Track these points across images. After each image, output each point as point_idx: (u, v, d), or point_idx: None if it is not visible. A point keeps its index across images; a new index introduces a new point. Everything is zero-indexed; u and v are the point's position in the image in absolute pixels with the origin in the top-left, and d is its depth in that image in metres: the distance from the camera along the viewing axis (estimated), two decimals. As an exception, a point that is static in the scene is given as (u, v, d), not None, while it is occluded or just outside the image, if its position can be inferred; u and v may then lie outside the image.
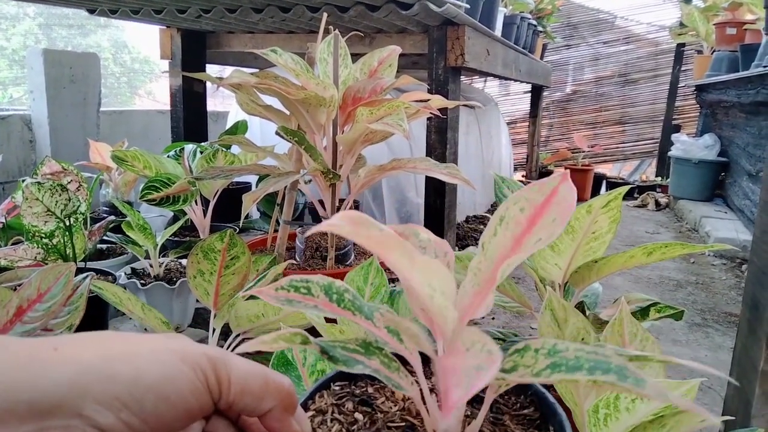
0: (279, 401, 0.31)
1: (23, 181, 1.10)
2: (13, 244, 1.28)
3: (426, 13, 1.67)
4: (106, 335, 0.27)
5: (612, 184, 4.52)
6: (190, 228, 1.77)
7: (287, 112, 1.17)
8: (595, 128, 5.51)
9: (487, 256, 0.40)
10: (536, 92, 4.41)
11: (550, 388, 1.00)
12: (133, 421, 0.24)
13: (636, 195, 4.37)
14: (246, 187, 2.10)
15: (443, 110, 1.91)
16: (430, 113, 1.16)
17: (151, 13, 1.91)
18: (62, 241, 1.19)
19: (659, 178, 4.72)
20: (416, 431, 0.40)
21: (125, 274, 1.38)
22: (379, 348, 0.38)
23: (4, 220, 1.31)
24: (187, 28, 2.24)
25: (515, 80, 3.18)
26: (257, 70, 1.14)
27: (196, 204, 1.60)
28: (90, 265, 1.38)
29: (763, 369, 0.67)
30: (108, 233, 1.44)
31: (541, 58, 4.36)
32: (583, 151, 4.57)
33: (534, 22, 3.37)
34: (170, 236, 1.52)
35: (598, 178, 4.59)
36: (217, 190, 1.57)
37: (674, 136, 3.99)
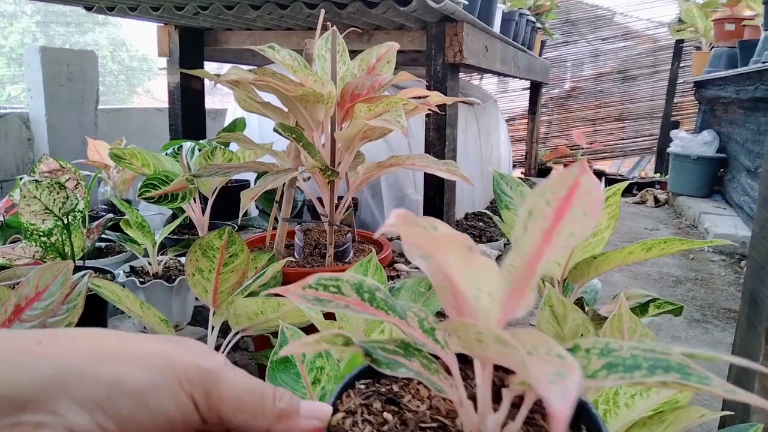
0: (278, 420, 0.30)
1: (21, 179, 1.09)
2: (11, 242, 1.28)
3: (424, 9, 1.66)
4: (100, 332, 0.26)
5: (611, 181, 4.52)
6: (189, 226, 1.77)
7: (285, 109, 1.17)
8: (594, 125, 5.51)
9: (521, 253, 0.39)
10: (535, 89, 4.41)
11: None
12: (108, 425, 0.24)
13: (635, 191, 4.37)
14: (245, 185, 2.10)
15: (442, 107, 1.91)
16: (429, 110, 1.16)
17: (149, 9, 1.91)
18: (60, 239, 1.19)
19: (658, 175, 4.72)
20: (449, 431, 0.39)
21: (124, 272, 1.38)
22: (418, 349, 0.37)
23: (2, 219, 1.31)
24: (184, 25, 2.24)
25: (514, 77, 3.18)
26: (255, 67, 1.14)
27: (195, 202, 1.59)
28: (89, 263, 1.38)
29: (762, 364, 0.67)
30: (106, 231, 1.44)
31: (540, 54, 4.35)
32: (582, 148, 4.57)
33: (533, 19, 3.37)
34: (169, 234, 1.52)
35: (597, 175, 4.55)
36: (216, 188, 1.57)
37: (673, 133, 3.99)
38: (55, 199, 1.14)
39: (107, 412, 0.24)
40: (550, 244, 0.38)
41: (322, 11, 1.25)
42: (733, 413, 0.72)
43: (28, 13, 6.69)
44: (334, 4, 1.67)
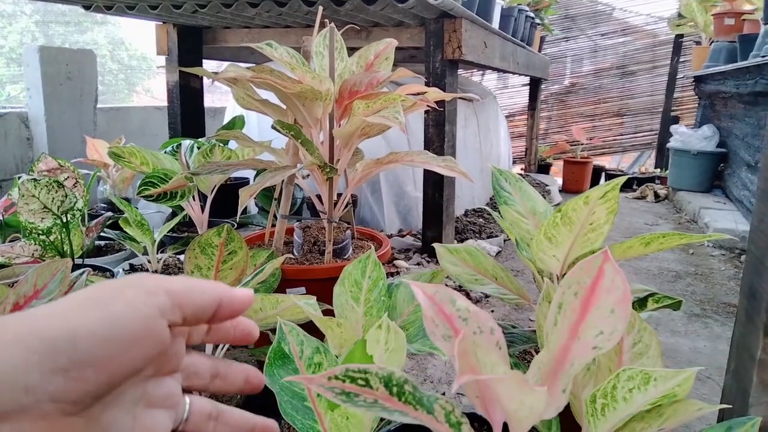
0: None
1: (19, 177, 1.09)
2: (10, 241, 1.28)
3: (423, 5, 1.66)
4: (31, 312, 0.25)
5: (611, 176, 4.52)
6: (188, 224, 1.77)
7: (283, 107, 1.17)
8: (593, 120, 5.50)
9: (550, 350, 0.39)
10: (534, 85, 4.40)
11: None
12: (83, 375, 0.23)
13: (635, 187, 4.37)
14: (244, 183, 2.10)
15: (440, 103, 1.91)
16: (427, 106, 1.16)
17: (147, 8, 1.90)
18: (59, 237, 1.19)
19: (658, 170, 4.72)
20: None
21: (123, 270, 1.38)
22: None
23: (1, 218, 1.31)
24: (183, 24, 2.24)
25: (513, 73, 3.18)
26: (254, 65, 1.14)
27: (194, 200, 1.60)
28: (88, 261, 1.38)
29: (760, 358, 0.67)
30: (106, 230, 1.44)
31: (539, 50, 4.35)
32: (582, 144, 4.56)
33: (532, 15, 3.36)
34: (168, 232, 1.52)
35: (597, 171, 4.58)
36: (215, 186, 1.57)
37: (673, 128, 3.98)
38: (53, 198, 1.14)
39: (76, 367, 0.23)
40: (578, 341, 0.38)
41: (320, 8, 1.25)
42: (731, 406, 0.73)
43: (27, 12, 6.69)
44: (333, 1, 1.66)
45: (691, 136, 3.75)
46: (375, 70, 1.24)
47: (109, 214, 1.41)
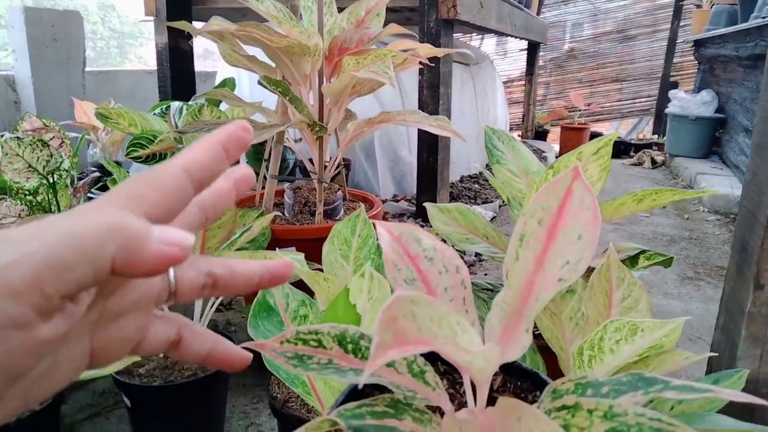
0: None
1: (2, 136, 1.07)
2: (-3, 202, 1.26)
3: (416, -39, 1.61)
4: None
5: (608, 143, 4.49)
6: (180, 187, 1.76)
7: (272, 64, 1.14)
8: (592, 86, 5.44)
9: (513, 286, 0.36)
10: (532, 49, 4.33)
11: (537, 335, 0.99)
12: (43, 291, 0.21)
13: (632, 153, 4.34)
14: (236, 147, 2.07)
15: (436, 65, 1.88)
16: (421, 66, 1.13)
17: (133, -35, 1.85)
18: (47, 198, 1.18)
19: (656, 136, 4.69)
20: None
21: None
22: (408, 404, 0.35)
23: (-13, 179, 1.29)
24: (171, -17, 2.18)
25: (510, 35, 3.12)
26: (240, 19, 1.11)
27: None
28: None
29: (749, 310, 0.67)
30: (95, 192, 1.43)
31: (538, 13, 4.27)
32: (580, 110, 4.52)
33: (530, -25, 3.29)
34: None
35: (595, 137, 4.55)
36: (205, 148, 1.54)
37: (671, 93, 3.94)
38: (38, 157, 1.12)
39: (38, 287, 0.21)
40: (543, 273, 0.35)
41: (309, -39, 1.21)
42: (716, 354, 0.73)
43: (14, -24, 6.52)
44: (323, -44, 1.61)
45: (690, 102, 3.71)
46: (366, 26, 1.21)
47: (96, 174, 1.39)
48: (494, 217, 2.56)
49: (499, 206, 2.68)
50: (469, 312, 0.40)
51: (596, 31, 5.39)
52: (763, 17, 2.46)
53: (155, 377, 0.96)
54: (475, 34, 5.32)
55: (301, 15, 1.19)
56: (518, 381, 0.46)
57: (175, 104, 1.58)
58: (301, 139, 1.82)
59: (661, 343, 0.59)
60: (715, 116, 3.61)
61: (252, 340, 0.47)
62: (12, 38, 2.21)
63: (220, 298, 0.98)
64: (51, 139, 1.21)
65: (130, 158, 1.34)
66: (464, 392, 0.38)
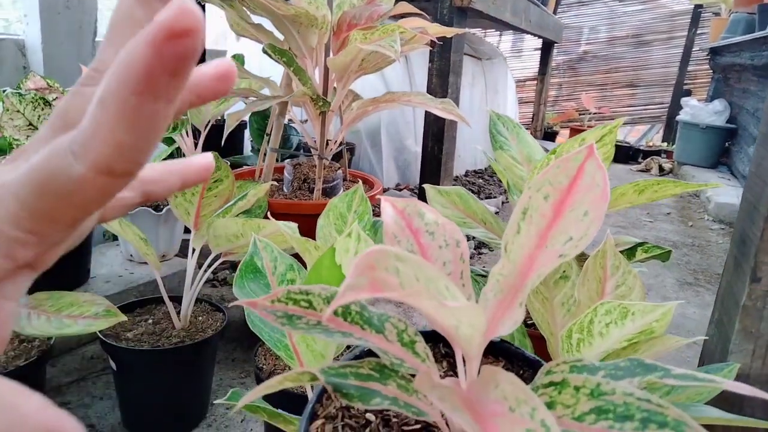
0: None
1: (4, 91, 1.06)
2: (-4, 160, 1.26)
3: (432, -55, 1.60)
4: None
5: (616, 148, 4.46)
6: (182, 160, 1.75)
7: (279, 37, 1.13)
8: (604, 90, 5.40)
9: (511, 259, 0.35)
10: (546, 49, 4.30)
11: (530, 324, 0.98)
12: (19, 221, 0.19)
13: (640, 160, 4.32)
14: (240, 125, 2.06)
15: (446, 53, 1.86)
16: (430, 43, 1.12)
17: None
18: (45, 158, 1.17)
19: (665, 144, 4.65)
20: None
21: (112, 198, 1.36)
22: (394, 370, 0.34)
23: (-12, 137, 1.28)
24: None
25: (524, 31, 3.09)
26: None
27: (187, 135, 1.57)
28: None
29: (744, 304, 0.66)
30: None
31: (555, 13, 4.23)
32: (590, 113, 4.48)
33: (548, -28, 3.26)
34: (159, 165, 1.50)
35: (603, 141, 4.51)
36: (209, 120, 1.53)
37: (683, 100, 3.90)
38: (39, 116, 1.11)
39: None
40: (545, 249, 0.34)
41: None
42: (705, 338, 0.71)
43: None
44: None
45: (702, 110, 3.68)
46: (376, 3, 1.19)
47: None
48: (497, 212, 2.54)
49: (502, 202, 2.66)
50: (466, 286, 0.39)
51: (612, 34, 5.35)
52: (781, 26, 2.43)
53: (143, 342, 0.96)
54: (493, 30, 5.29)
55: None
56: (520, 370, 0.45)
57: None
58: (306, 120, 1.81)
59: (652, 328, 0.58)
60: (726, 126, 3.57)
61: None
62: (23, 2, 2.20)
63: (210, 272, 0.97)
64: (54, 99, 1.20)
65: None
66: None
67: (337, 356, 0.71)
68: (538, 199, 0.35)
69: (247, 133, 2.15)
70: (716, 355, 0.74)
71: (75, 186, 0.18)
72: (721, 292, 0.75)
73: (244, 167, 1.91)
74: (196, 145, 1.60)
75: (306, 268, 0.74)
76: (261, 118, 1.66)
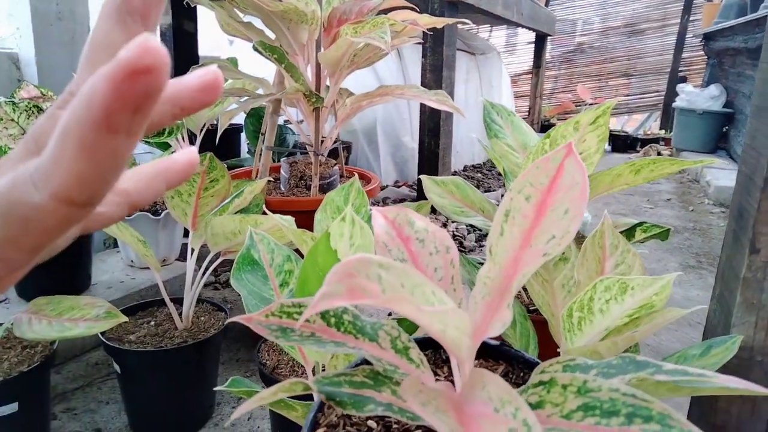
0: None
1: (-3, 101, 1.07)
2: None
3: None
4: None
5: (614, 137, 4.46)
6: (179, 165, 1.75)
7: (270, 35, 1.13)
8: (600, 81, 5.40)
9: (497, 262, 0.35)
10: (540, 41, 4.30)
11: (532, 310, 0.98)
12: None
13: (638, 148, 4.31)
14: (236, 129, 2.06)
15: (439, 48, 1.86)
16: (422, 34, 1.12)
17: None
18: (42, 166, 1.17)
19: (663, 131, 4.65)
20: None
21: (110, 205, 1.36)
22: (388, 377, 0.34)
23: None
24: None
25: (517, 24, 3.09)
26: None
27: (183, 140, 1.57)
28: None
29: (745, 276, 0.66)
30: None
31: (546, 5, 4.23)
32: (587, 104, 4.48)
33: (538, -35, 3.26)
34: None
35: (601, 131, 4.51)
36: (204, 124, 1.54)
37: (679, 87, 3.90)
38: (34, 124, 1.11)
39: None
40: (530, 249, 0.34)
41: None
42: (704, 306, 0.71)
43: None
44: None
45: (698, 96, 3.68)
46: (366, -2, 1.20)
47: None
48: (497, 205, 2.54)
49: (502, 195, 2.66)
50: (457, 291, 0.39)
51: (605, 25, 5.35)
52: (773, 7, 2.43)
53: (146, 344, 0.95)
54: (486, 26, 5.29)
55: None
56: (521, 372, 0.45)
57: (175, 80, 1.58)
58: (302, 121, 1.81)
59: (652, 302, 0.58)
60: (722, 111, 3.57)
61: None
62: (16, 16, 2.21)
63: (210, 272, 0.97)
64: (48, 108, 1.20)
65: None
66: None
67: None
68: (519, 200, 0.35)
69: (243, 136, 2.15)
70: (719, 330, 0.73)
71: (36, 214, 0.18)
72: (721, 266, 0.75)
73: (241, 169, 1.92)
74: (192, 149, 1.60)
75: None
76: (256, 119, 1.67)
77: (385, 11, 1.28)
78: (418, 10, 1.70)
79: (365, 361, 0.40)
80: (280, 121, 1.60)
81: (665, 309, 0.57)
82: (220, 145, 1.87)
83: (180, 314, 1.00)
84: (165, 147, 1.49)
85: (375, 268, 0.26)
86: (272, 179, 1.34)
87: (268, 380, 0.84)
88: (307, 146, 1.22)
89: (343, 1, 1.19)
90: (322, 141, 1.23)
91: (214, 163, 1.01)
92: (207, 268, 0.97)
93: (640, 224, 0.92)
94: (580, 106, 4.90)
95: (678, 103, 3.79)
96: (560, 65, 5.55)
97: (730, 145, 3.56)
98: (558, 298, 0.76)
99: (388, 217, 0.41)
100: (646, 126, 5.26)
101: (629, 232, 0.93)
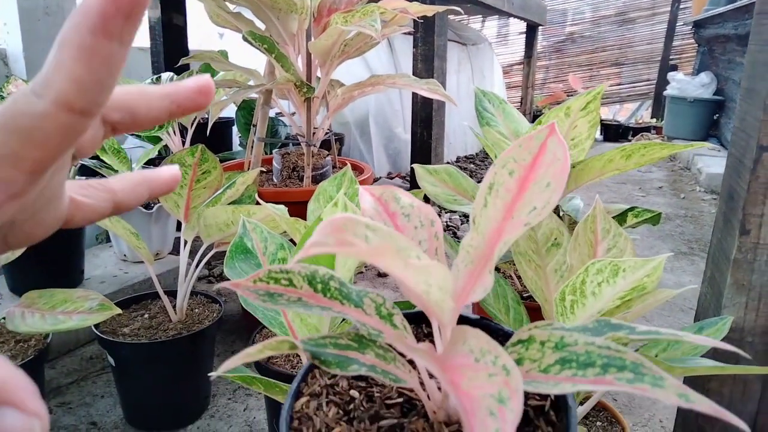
0: None
1: (-15, 95, 1.06)
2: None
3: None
4: None
5: (606, 127, 4.47)
6: (171, 159, 1.74)
7: (260, 26, 1.13)
8: (591, 70, 5.41)
9: (480, 231, 0.36)
10: (531, 31, 4.30)
11: (525, 295, 0.98)
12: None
13: (630, 137, 4.33)
14: (228, 122, 2.05)
15: (430, 38, 1.86)
16: (412, 23, 1.12)
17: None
18: (32, 161, 1.16)
19: (654, 120, 4.67)
20: (414, 406, 0.38)
21: (102, 199, 1.35)
22: (372, 340, 0.35)
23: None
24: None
25: (507, 13, 3.09)
26: None
27: (174, 134, 1.56)
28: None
29: (735, 257, 0.66)
30: (85, 161, 1.41)
31: (536, -5, 4.22)
32: (578, 93, 4.49)
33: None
34: (148, 164, 1.49)
35: (593, 121, 4.52)
36: (195, 117, 1.53)
37: (670, 75, 3.91)
38: (23, 118, 1.11)
39: None
40: (512, 221, 0.36)
41: None
42: (694, 286, 0.72)
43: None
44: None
45: (689, 84, 3.69)
46: (355, -13, 1.19)
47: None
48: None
49: (495, 185, 2.67)
50: (440, 261, 0.40)
51: (596, 14, 5.35)
52: (763, -7, 2.43)
53: (140, 336, 0.95)
54: (478, 16, 5.28)
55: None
56: (502, 345, 0.46)
57: (166, 74, 1.57)
58: (295, 113, 1.80)
59: (644, 284, 0.58)
60: (713, 98, 3.58)
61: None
62: (3, 11, 2.19)
63: (203, 263, 0.97)
64: (36, 101, 1.19)
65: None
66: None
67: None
68: (503, 174, 0.37)
69: (234, 129, 2.14)
70: (710, 312, 0.74)
71: (37, 122, 0.19)
72: (712, 249, 0.75)
73: (233, 161, 1.91)
74: (183, 143, 1.59)
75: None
76: (247, 112, 1.66)
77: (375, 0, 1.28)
78: None
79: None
80: (272, 113, 1.59)
81: (657, 290, 0.57)
82: (212, 138, 1.85)
83: (174, 306, 1.00)
84: (156, 141, 1.48)
85: (362, 228, 0.27)
86: (265, 171, 1.33)
87: (264, 370, 0.84)
88: (299, 137, 1.21)
89: (332, -10, 1.19)
90: (314, 132, 1.23)
91: (205, 155, 1.00)
92: (200, 260, 0.97)
93: (631, 209, 0.93)
94: (571, 95, 4.91)
95: (669, 91, 3.80)
96: (551, 55, 5.55)
97: (721, 133, 3.57)
98: (551, 283, 0.76)
99: (374, 194, 0.42)
100: (637, 115, 5.27)
101: (621, 217, 0.93)
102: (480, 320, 0.48)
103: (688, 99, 3.60)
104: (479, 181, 2.73)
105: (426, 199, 1.98)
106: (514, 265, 0.99)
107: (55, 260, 1.23)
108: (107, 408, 1.05)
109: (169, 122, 1.42)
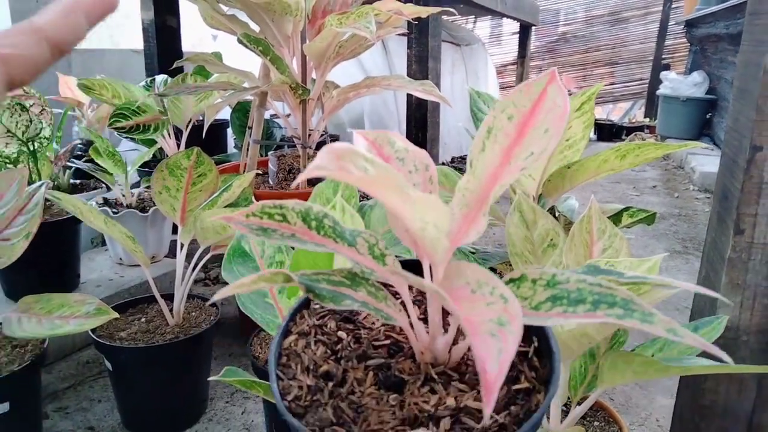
0: None
1: (-22, 99, 1.05)
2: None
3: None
4: None
5: (600, 126, 4.49)
6: (165, 161, 1.74)
7: (255, 28, 1.13)
8: (584, 70, 5.43)
9: (476, 175, 0.36)
10: (524, 32, 4.31)
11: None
12: None
13: (624, 137, 4.35)
14: (223, 124, 2.05)
15: (424, 38, 1.86)
16: (407, 25, 1.12)
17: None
18: (27, 166, 1.16)
19: (647, 119, 4.69)
20: (401, 348, 0.38)
21: (96, 203, 1.35)
22: (365, 278, 0.35)
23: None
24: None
25: (500, 13, 3.09)
26: None
27: (169, 136, 1.56)
28: (60, 194, 1.35)
29: (729, 257, 0.67)
30: (80, 165, 1.41)
31: (530, -5, 4.23)
32: (571, 93, 4.50)
33: (521, -46, 3.26)
34: (143, 167, 1.49)
35: (587, 120, 4.54)
36: (190, 119, 1.53)
37: (663, 74, 3.93)
38: (17, 122, 1.10)
39: None
40: (509, 164, 0.36)
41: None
42: (698, 307, 0.72)
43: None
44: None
45: (681, 83, 3.71)
46: (350, -11, 1.19)
47: (78, 142, 1.37)
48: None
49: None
50: None
51: (589, 14, 5.37)
52: (754, -7, 2.45)
53: (137, 340, 0.95)
54: (471, 17, 5.29)
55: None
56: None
57: (160, 77, 1.57)
58: (290, 115, 1.80)
59: (638, 287, 0.58)
60: (706, 97, 3.60)
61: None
62: (-5, 14, 2.18)
63: (200, 267, 0.97)
64: (31, 105, 1.19)
65: (112, 128, 1.32)
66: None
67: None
68: (502, 119, 0.37)
69: (229, 131, 2.14)
70: (705, 311, 0.75)
71: None
72: (706, 249, 0.76)
73: (228, 164, 1.91)
74: (178, 145, 1.59)
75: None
76: (242, 114, 1.66)
77: (370, 1, 1.28)
78: (403, 0, 1.70)
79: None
80: (267, 115, 1.59)
81: (652, 289, 0.58)
82: (207, 140, 1.85)
83: (171, 310, 1.00)
84: (151, 143, 1.48)
85: (362, 161, 0.27)
86: (260, 173, 1.33)
87: (261, 373, 0.84)
88: (294, 139, 1.21)
89: (327, -8, 1.19)
90: (310, 134, 1.23)
91: (201, 158, 1.00)
92: (197, 264, 0.97)
93: (626, 209, 0.93)
94: (565, 95, 4.92)
95: (662, 90, 3.82)
96: (544, 55, 5.56)
97: (714, 132, 3.60)
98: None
99: (368, 138, 0.42)
100: (630, 114, 5.29)
101: (616, 217, 0.94)
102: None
103: (680, 98, 3.62)
104: (474, 182, 2.74)
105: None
106: (511, 265, 0.99)
107: (51, 264, 1.22)
108: (104, 412, 1.05)
109: (164, 124, 1.42)
